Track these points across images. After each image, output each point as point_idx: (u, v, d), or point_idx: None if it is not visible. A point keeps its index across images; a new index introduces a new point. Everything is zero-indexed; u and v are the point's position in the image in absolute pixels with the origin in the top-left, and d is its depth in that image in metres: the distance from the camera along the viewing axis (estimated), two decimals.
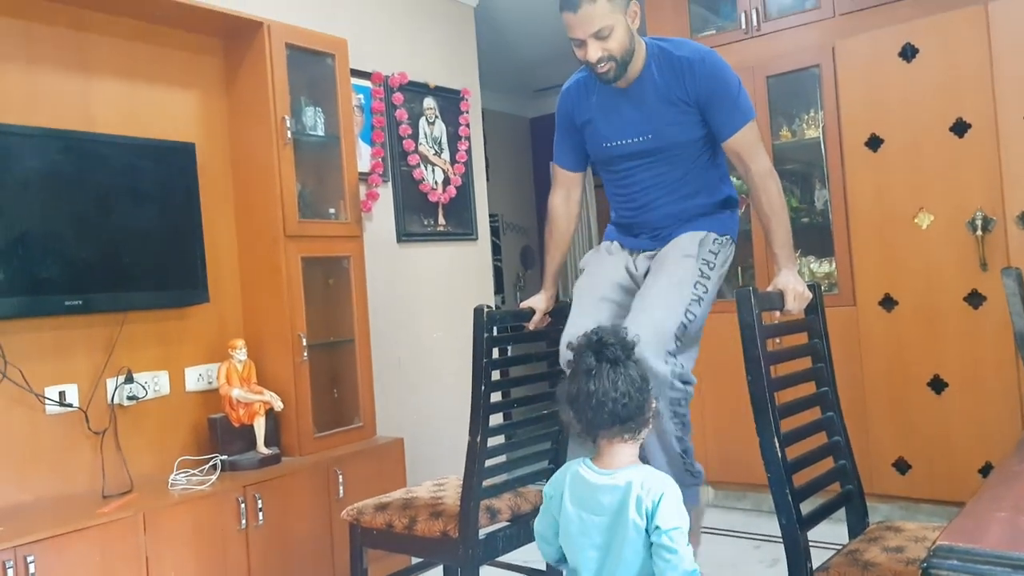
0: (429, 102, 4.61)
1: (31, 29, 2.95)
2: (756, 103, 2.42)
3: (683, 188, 2.45)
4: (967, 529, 1.23)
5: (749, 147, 2.33)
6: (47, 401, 2.89)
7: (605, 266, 2.54)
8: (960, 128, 3.56)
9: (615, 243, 2.60)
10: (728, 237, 2.47)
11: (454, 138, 4.75)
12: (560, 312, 2.64)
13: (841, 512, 2.19)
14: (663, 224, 2.48)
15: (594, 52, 2.25)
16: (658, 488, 1.74)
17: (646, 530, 1.72)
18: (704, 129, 2.37)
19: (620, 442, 1.80)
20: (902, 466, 3.76)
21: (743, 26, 4.26)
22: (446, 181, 4.67)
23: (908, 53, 3.68)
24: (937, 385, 3.66)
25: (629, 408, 1.76)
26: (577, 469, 1.85)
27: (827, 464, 2.20)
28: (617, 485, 1.77)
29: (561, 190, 2.68)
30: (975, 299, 3.55)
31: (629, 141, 2.40)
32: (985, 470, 3.51)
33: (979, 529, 1.24)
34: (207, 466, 3.14)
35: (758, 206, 2.36)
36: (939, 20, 3.61)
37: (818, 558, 1.95)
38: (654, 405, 1.85)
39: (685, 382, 2.22)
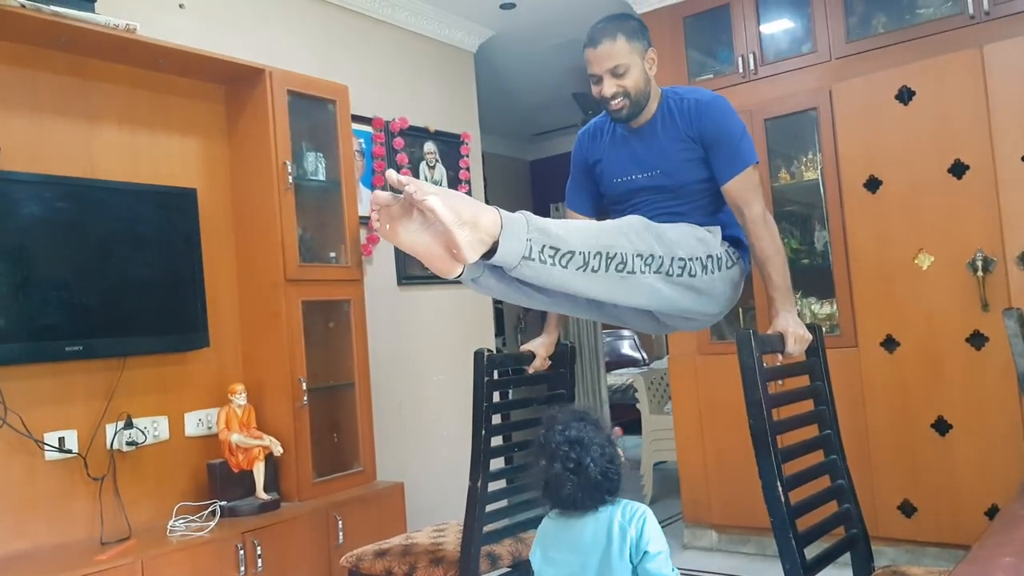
0: (429, 146, 4.65)
1: (36, 78, 2.98)
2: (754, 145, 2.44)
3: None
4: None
5: (745, 193, 2.33)
6: (46, 447, 2.88)
7: None
8: (958, 169, 3.58)
9: None
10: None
11: (455, 181, 4.78)
12: (561, 356, 2.63)
13: (846, 556, 2.17)
14: None
15: (609, 88, 2.31)
16: (639, 514, 1.78)
17: (630, 559, 1.73)
18: (710, 170, 2.39)
19: None
20: (907, 509, 3.72)
21: (740, 70, 4.30)
22: None
23: (905, 96, 3.71)
24: (941, 427, 3.63)
25: (609, 479, 1.80)
26: (553, 521, 1.90)
27: (831, 508, 2.18)
28: (598, 517, 1.80)
29: None
30: (977, 340, 3.54)
31: (638, 176, 2.43)
32: (991, 512, 3.47)
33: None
34: (206, 512, 3.11)
35: (753, 252, 2.37)
36: (935, 63, 3.65)
37: None
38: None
39: None
